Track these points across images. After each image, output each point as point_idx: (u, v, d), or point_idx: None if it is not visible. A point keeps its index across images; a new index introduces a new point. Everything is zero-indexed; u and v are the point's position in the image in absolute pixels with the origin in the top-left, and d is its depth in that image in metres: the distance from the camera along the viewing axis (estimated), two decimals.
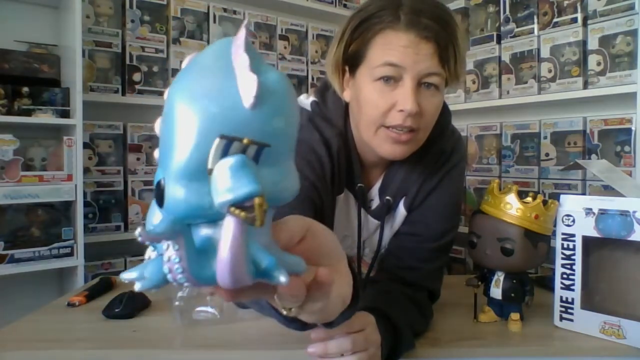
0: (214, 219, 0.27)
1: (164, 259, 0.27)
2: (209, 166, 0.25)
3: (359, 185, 0.82)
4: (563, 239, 0.84)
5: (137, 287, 0.29)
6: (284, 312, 0.36)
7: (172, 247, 0.26)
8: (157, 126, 0.30)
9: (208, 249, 0.27)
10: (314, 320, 0.40)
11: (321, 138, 0.77)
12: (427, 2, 0.71)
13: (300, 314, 0.37)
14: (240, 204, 0.24)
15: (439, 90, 0.73)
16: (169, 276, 0.27)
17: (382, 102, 0.70)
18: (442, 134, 0.83)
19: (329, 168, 0.76)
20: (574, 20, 1.52)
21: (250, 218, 0.24)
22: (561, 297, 0.84)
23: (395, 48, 0.68)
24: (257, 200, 0.24)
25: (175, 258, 0.26)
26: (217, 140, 0.25)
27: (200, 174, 0.26)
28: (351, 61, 0.75)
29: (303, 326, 0.49)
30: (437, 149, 0.83)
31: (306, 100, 0.85)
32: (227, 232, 0.25)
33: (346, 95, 0.79)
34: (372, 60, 0.71)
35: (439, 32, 0.69)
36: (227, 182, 0.25)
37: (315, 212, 0.72)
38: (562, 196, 0.85)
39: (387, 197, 0.83)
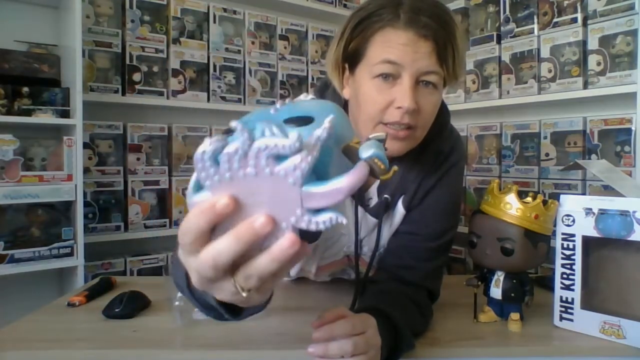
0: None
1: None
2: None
3: None
4: (563, 239, 0.84)
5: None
6: (244, 294, 0.37)
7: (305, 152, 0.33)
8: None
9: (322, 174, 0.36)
10: (255, 302, 0.41)
11: None
12: (427, 1, 0.71)
13: (253, 295, 0.38)
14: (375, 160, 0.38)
15: (437, 88, 0.73)
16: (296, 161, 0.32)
17: (381, 98, 0.71)
18: (441, 133, 0.84)
19: None
20: (574, 20, 1.52)
21: (382, 170, 0.39)
22: (561, 297, 0.84)
23: (394, 46, 0.69)
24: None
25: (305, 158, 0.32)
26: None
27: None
28: (351, 59, 0.76)
29: (219, 317, 0.50)
30: (435, 148, 0.83)
31: (305, 99, 0.85)
32: (361, 168, 0.35)
33: (346, 93, 0.79)
34: (372, 57, 0.71)
35: (438, 30, 0.69)
36: (376, 146, 0.39)
37: None
38: (562, 196, 0.85)
39: (386, 196, 0.84)
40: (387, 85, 0.71)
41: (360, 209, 0.84)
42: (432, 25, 0.69)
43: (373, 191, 0.86)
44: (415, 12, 0.69)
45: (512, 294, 0.84)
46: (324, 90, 0.85)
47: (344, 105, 0.83)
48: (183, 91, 1.77)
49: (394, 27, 0.69)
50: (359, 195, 0.83)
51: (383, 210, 0.84)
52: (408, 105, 0.69)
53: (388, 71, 0.70)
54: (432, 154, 0.83)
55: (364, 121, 0.75)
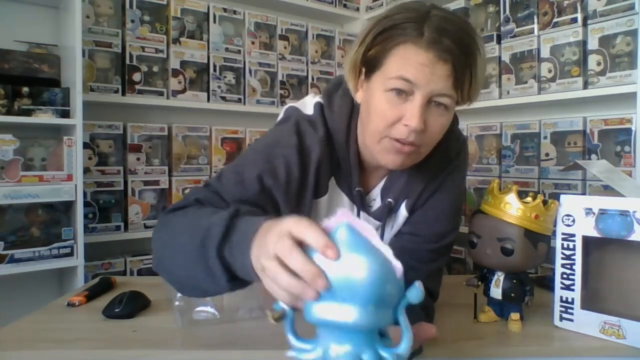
0: None
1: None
2: None
3: (357, 189, 0.82)
4: (563, 239, 0.85)
5: None
6: None
7: None
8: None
9: None
10: None
11: (298, 145, 0.77)
12: (454, 22, 0.70)
13: None
14: None
15: (448, 109, 0.73)
16: None
17: (390, 113, 0.71)
18: (449, 139, 0.83)
19: (297, 176, 0.76)
20: (574, 20, 1.52)
21: None
22: (561, 297, 0.85)
23: (412, 64, 0.68)
24: None
25: None
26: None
27: None
28: (368, 65, 0.75)
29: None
30: (442, 154, 0.83)
31: (311, 99, 0.84)
32: None
33: (359, 97, 0.79)
34: (388, 70, 0.71)
35: (459, 56, 0.68)
36: None
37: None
38: (562, 196, 0.86)
39: (389, 200, 0.84)
40: (398, 101, 0.70)
41: (361, 212, 0.84)
42: (454, 50, 0.68)
43: (376, 194, 0.86)
44: (439, 33, 0.68)
45: (512, 294, 0.84)
46: (334, 91, 0.85)
47: (350, 111, 0.82)
48: (183, 91, 1.77)
49: (416, 44, 0.68)
50: (359, 201, 0.83)
51: (386, 213, 0.84)
52: (415, 126, 0.69)
53: (402, 87, 0.69)
54: (439, 160, 0.83)
55: (370, 131, 0.75)
